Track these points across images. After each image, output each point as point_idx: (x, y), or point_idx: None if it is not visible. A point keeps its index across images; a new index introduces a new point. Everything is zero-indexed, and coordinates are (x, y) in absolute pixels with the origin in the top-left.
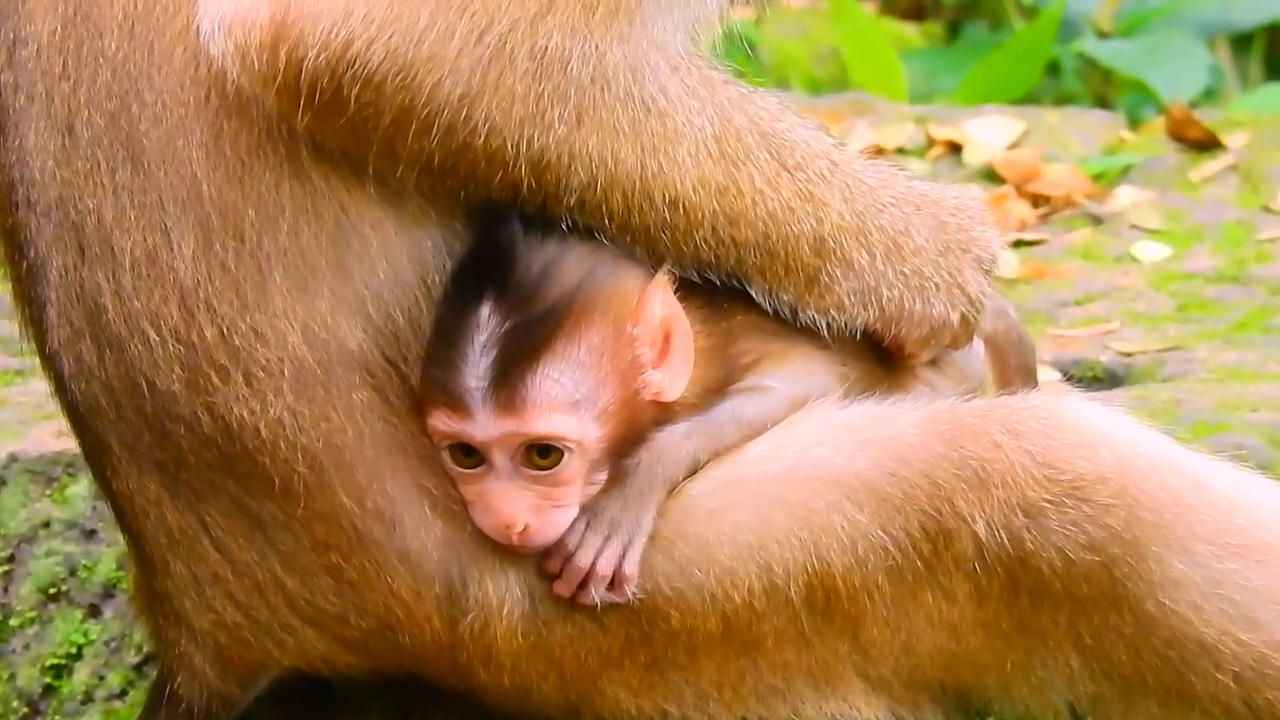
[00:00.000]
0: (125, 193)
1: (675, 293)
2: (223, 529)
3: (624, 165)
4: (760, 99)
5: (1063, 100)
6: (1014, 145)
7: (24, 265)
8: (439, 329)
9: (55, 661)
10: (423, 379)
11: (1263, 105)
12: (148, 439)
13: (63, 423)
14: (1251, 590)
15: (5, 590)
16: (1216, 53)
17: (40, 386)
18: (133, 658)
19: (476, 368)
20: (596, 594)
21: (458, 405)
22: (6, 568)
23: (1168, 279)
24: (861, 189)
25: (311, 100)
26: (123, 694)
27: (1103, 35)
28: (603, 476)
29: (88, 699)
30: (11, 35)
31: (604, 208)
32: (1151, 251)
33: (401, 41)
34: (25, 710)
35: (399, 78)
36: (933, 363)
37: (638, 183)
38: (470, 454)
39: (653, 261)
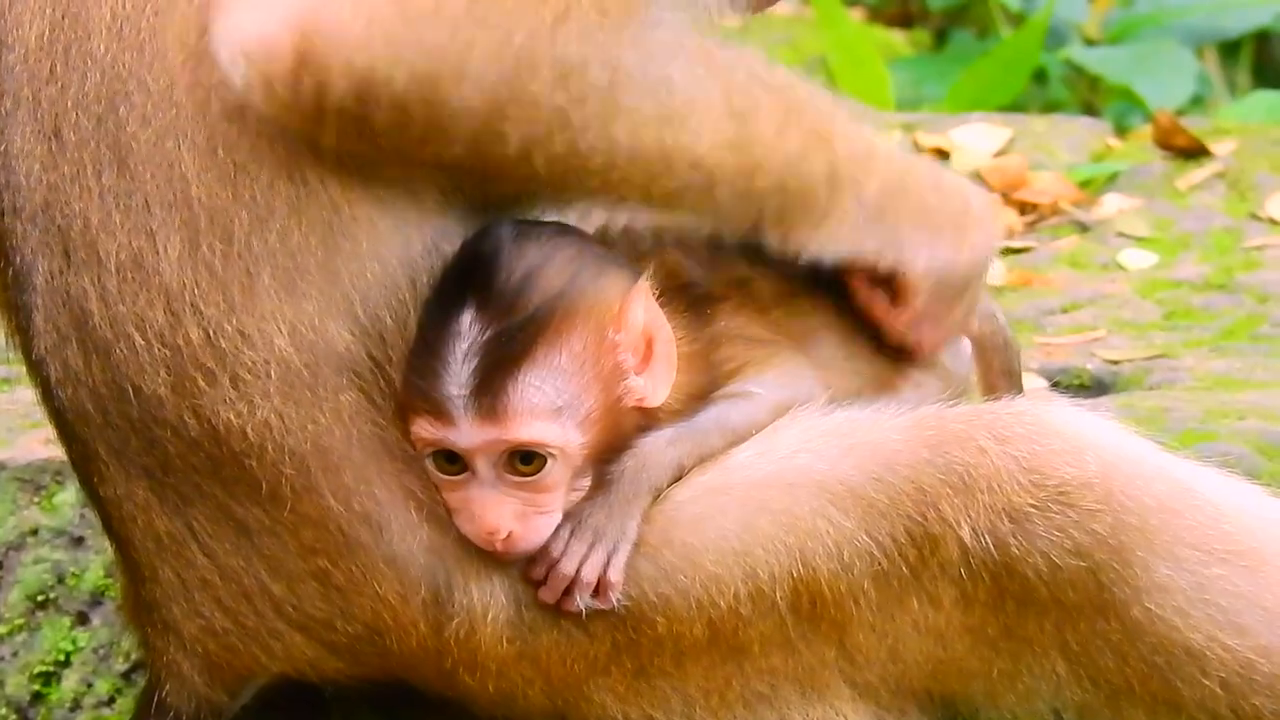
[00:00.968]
0: (111, 196)
1: (658, 299)
2: (210, 534)
3: (644, 145)
4: (750, 54)
5: (1050, 108)
6: (1001, 153)
7: (9, 271)
8: (421, 336)
9: (44, 669)
10: (405, 386)
11: (1250, 113)
12: (135, 444)
13: (50, 430)
14: (1238, 596)
15: None
16: (1204, 61)
17: (27, 394)
18: (121, 665)
19: (458, 375)
20: (581, 601)
21: (440, 413)
22: None
23: (1155, 286)
24: (863, 128)
25: (336, 125)
26: (111, 701)
27: (1090, 43)
28: (587, 483)
29: (76, 706)
30: None
31: (626, 182)
32: (1138, 259)
33: (425, 61)
34: (14, 718)
35: (423, 97)
36: (922, 362)
37: (658, 156)
38: (453, 461)
39: (669, 225)
